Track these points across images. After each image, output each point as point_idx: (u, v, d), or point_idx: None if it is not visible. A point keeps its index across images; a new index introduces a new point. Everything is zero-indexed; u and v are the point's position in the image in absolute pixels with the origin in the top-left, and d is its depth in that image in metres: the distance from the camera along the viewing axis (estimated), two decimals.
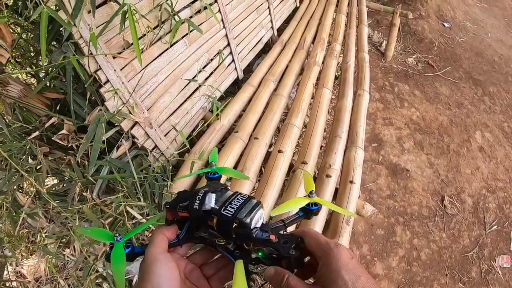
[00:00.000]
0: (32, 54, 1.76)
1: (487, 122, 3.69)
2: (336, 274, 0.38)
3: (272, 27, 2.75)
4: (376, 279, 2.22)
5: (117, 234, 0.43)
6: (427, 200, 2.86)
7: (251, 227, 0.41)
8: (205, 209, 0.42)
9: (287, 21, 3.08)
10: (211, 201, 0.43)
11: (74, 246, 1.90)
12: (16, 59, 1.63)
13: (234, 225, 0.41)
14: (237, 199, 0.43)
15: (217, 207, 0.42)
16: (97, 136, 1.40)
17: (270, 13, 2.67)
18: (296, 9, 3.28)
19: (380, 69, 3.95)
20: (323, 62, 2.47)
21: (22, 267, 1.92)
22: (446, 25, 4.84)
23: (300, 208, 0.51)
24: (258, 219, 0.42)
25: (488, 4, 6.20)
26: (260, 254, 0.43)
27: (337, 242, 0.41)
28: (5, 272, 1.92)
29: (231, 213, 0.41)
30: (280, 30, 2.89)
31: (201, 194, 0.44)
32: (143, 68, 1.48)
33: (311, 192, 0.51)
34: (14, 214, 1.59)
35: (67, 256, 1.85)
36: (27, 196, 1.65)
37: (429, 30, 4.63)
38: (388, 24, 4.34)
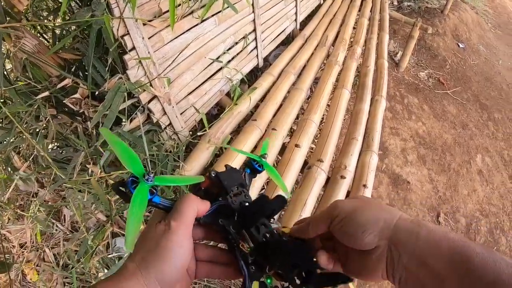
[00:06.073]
0: (43, 11, 1.65)
1: (488, 147, 3.72)
2: (358, 220, 0.36)
3: (296, 19, 2.70)
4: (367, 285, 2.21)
5: (152, 173, 0.36)
6: (423, 214, 2.87)
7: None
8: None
9: (309, 17, 3.03)
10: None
11: (64, 216, 1.83)
12: (27, 15, 1.53)
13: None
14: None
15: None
16: (114, 105, 1.34)
17: (296, 5, 2.62)
18: (319, 6, 3.23)
19: (392, 78, 3.94)
20: (343, 63, 2.43)
21: (8, 231, 1.85)
22: (460, 45, 4.86)
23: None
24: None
25: (503, 32, 6.24)
26: (268, 281, 0.40)
27: (329, 205, 0.41)
28: None
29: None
30: (302, 25, 2.85)
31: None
32: (172, 40, 1.42)
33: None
34: (6, 176, 1.51)
35: (56, 225, 1.78)
36: (23, 159, 1.57)
37: (444, 48, 4.63)
38: (405, 35, 4.33)
